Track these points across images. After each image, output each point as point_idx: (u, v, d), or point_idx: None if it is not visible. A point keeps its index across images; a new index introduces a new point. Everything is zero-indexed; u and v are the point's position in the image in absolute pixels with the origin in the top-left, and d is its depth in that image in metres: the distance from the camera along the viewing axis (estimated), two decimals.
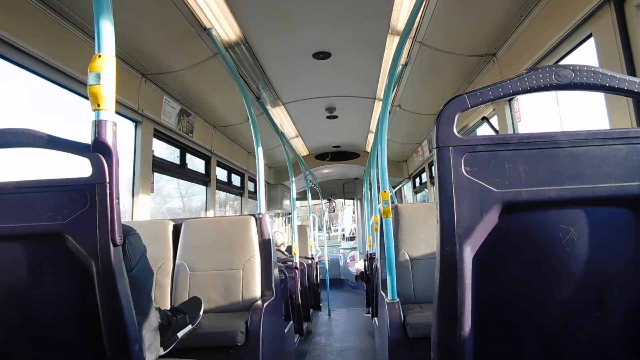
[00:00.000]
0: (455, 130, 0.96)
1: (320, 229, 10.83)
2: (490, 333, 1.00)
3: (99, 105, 1.14)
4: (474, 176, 0.94)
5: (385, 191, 2.61)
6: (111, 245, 1.11)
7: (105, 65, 1.15)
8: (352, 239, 12.16)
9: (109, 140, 1.14)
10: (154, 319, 1.76)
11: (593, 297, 0.97)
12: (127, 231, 1.48)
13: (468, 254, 0.95)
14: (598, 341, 1.00)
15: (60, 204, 1.12)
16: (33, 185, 1.15)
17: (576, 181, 0.94)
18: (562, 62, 2.59)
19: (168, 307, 2.65)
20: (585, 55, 2.36)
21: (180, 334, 2.06)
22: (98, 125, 1.13)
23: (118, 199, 1.13)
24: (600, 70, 0.94)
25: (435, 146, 0.96)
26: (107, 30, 1.17)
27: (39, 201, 1.13)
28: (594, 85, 0.94)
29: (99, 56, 1.15)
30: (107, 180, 1.11)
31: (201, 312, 2.34)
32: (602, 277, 0.97)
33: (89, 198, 1.11)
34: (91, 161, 1.11)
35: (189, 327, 2.17)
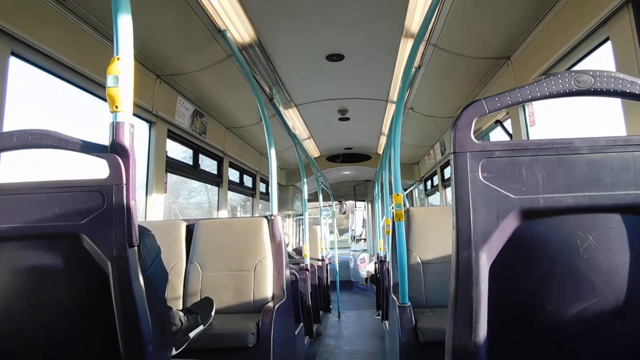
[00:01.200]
0: (472, 136, 0.95)
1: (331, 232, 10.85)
2: (506, 341, 0.99)
3: (117, 107, 1.15)
4: (491, 182, 0.94)
5: (397, 194, 2.61)
6: (127, 246, 1.12)
7: (124, 68, 1.16)
8: (362, 240, 12.12)
9: (126, 142, 1.15)
10: (167, 320, 1.78)
11: (612, 307, 0.96)
12: (142, 232, 1.49)
13: (484, 260, 0.94)
14: (616, 352, 0.98)
15: (78, 204, 1.13)
16: (51, 185, 1.16)
17: (595, 188, 0.93)
18: (578, 66, 2.55)
19: (180, 307, 2.67)
20: (602, 59, 2.32)
21: (192, 335, 2.08)
22: (116, 127, 1.14)
23: (134, 200, 1.14)
24: (621, 76, 0.93)
25: (452, 151, 0.96)
26: (126, 33, 1.18)
27: (57, 202, 1.15)
28: (614, 92, 0.93)
29: (118, 59, 1.16)
30: (124, 182, 1.12)
31: (213, 313, 2.35)
32: (621, 287, 0.95)
33: (105, 199, 1.12)
34: (108, 162, 1.13)
35: (201, 327, 2.18)
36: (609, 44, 2.19)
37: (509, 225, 0.93)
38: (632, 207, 0.93)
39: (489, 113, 0.96)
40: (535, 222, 0.95)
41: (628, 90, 0.93)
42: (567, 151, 0.94)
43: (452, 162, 0.96)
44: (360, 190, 11.49)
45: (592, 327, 0.97)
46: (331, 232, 11.74)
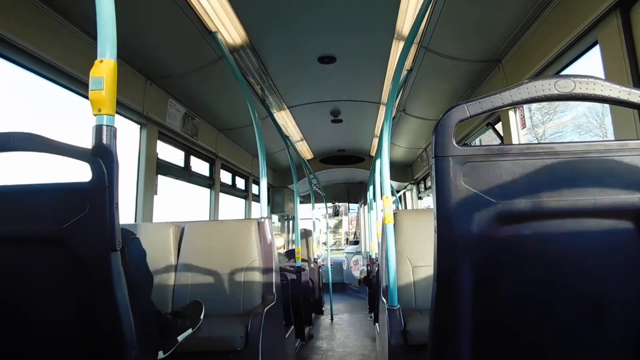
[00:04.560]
0: (453, 140, 0.95)
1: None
2: (487, 345, 0.99)
3: (100, 110, 1.14)
4: (473, 187, 0.93)
5: (387, 197, 2.60)
6: (110, 250, 1.11)
7: (107, 71, 1.14)
8: (355, 242, 12.10)
9: (109, 145, 1.13)
10: (153, 323, 1.76)
11: (591, 312, 0.96)
12: (127, 235, 1.48)
13: (465, 264, 0.94)
14: (595, 358, 0.98)
15: (60, 208, 1.12)
16: (33, 189, 1.15)
17: (576, 193, 0.93)
18: (568, 69, 2.57)
19: (169, 310, 2.65)
20: (593, 62, 2.34)
21: (180, 338, 2.06)
22: (99, 130, 1.13)
23: (117, 204, 1.13)
24: (602, 81, 0.93)
25: (433, 156, 0.96)
26: (109, 35, 1.17)
27: (39, 205, 1.13)
28: (596, 97, 0.93)
29: (101, 61, 1.15)
30: (107, 185, 1.10)
31: (202, 316, 2.34)
32: (601, 291, 0.96)
33: (88, 203, 1.11)
34: (91, 166, 1.11)
35: (189, 331, 2.17)
36: (598, 47, 2.21)
37: (490, 229, 0.93)
38: (612, 211, 0.93)
39: (470, 117, 0.95)
40: (516, 227, 0.95)
41: (609, 95, 0.93)
42: (548, 156, 0.94)
43: (433, 167, 0.96)
44: (354, 192, 11.48)
45: (571, 332, 0.97)
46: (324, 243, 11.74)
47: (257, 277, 2.82)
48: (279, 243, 6.14)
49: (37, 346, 1.21)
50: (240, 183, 6.21)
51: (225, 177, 5.59)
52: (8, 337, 1.21)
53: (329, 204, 11.19)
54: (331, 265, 8.41)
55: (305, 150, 7.05)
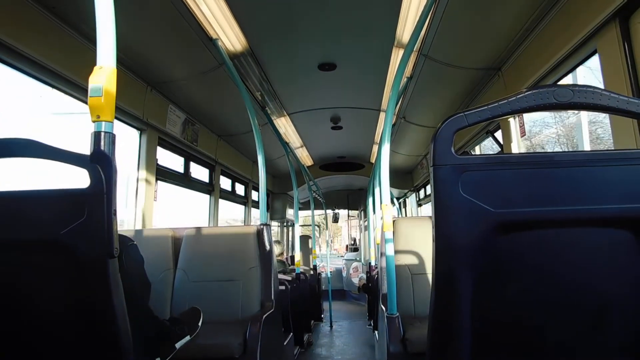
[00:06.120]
0: (452, 149, 0.95)
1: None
2: (486, 353, 0.98)
3: (98, 117, 1.13)
4: (471, 195, 0.93)
5: (385, 205, 2.60)
6: (107, 256, 1.10)
7: (106, 77, 1.15)
8: (355, 249, 12.08)
9: (107, 151, 1.13)
10: (151, 330, 1.75)
11: (592, 320, 0.95)
12: (125, 242, 1.48)
13: (464, 273, 0.93)
14: None
15: (58, 214, 1.12)
16: (31, 195, 1.15)
17: (575, 202, 0.93)
18: (567, 78, 2.57)
19: (167, 316, 2.64)
20: (593, 70, 2.34)
21: (178, 345, 2.05)
22: (97, 137, 1.13)
23: (115, 210, 1.12)
24: (600, 91, 0.93)
25: (432, 164, 0.95)
26: (108, 42, 1.17)
27: (37, 211, 1.13)
28: (594, 106, 0.93)
29: (100, 68, 1.15)
30: (105, 192, 1.10)
31: (200, 323, 2.32)
32: (601, 300, 0.95)
33: (86, 209, 1.10)
34: (89, 172, 1.11)
35: (187, 337, 2.16)
36: (597, 55, 2.21)
37: (489, 239, 0.93)
38: (611, 220, 0.93)
39: (469, 126, 0.95)
40: (515, 236, 0.95)
41: (607, 104, 0.93)
42: (547, 165, 0.94)
43: (431, 176, 0.96)
44: (354, 199, 11.47)
45: (572, 340, 0.97)
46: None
47: (255, 283, 2.80)
48: (278, 250, 6.12)
49: (35, 351, 1.21)
50: (239, 189, 6.22)
51: (225, 183, 5.60)
52: (7, 340, 1.20)
53: (329, 211, 11.17)
54: (330, 272, 8.38)
55: (305, 157, 7.05)
